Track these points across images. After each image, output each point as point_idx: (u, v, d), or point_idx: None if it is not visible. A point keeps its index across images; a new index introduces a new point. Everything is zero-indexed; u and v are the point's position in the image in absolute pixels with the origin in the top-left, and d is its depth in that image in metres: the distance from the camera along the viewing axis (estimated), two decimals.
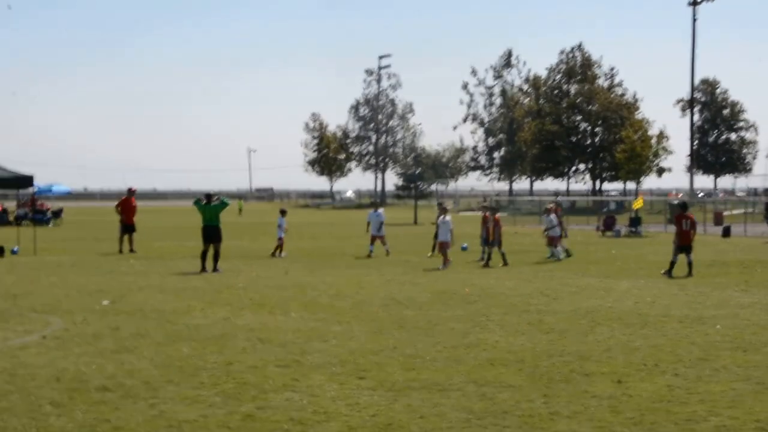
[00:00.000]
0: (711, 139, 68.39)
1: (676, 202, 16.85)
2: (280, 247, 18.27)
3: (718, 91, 68.30)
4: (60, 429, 5.19)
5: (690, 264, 14.35)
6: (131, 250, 19.07)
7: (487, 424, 5.26)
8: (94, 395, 5.98)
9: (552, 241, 17.79)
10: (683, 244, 14.54)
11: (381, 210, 19.33)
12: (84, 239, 24.48)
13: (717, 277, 14.13)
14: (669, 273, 14.09)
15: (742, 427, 5.21)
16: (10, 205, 38.38)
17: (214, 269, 14.82)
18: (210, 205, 15.29)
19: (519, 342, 7.98)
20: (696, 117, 62.68)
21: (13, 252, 18.55)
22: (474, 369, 6.79)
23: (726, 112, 67.94)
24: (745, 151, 68.15)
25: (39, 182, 29.88)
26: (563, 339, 8.14)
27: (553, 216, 17.99)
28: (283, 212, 19.24)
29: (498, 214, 18.18)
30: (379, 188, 77.07)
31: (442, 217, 16.32)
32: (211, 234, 15.08)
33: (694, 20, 52.63)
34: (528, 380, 6.43)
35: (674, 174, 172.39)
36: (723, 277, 14.26)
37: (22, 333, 8.48)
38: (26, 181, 19.57)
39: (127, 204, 19.88)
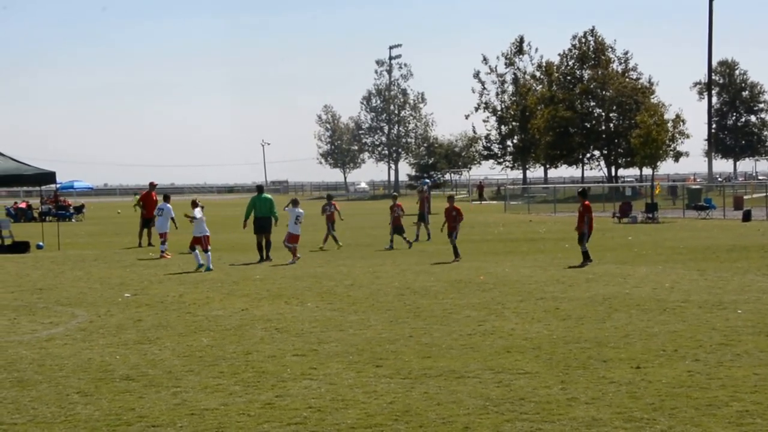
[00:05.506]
0: (730, 122, 67.18)
1: (578, 190, 15.80)
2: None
3: (737, 72, 66.98)
4: (87, 417, 5.32)
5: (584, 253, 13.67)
6: (150, 244, 19.31)
7: (504, 410, 5.29)
8: (119, 384, 6.12)
9: (194, 242, 14.29)
10: (588, 232, 13.85)
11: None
12: (105, 234, 24.82)
13: (737, 262, 13.99)
14: (586, 261, 13.51)
15: (765, 412, 5.17)
16: (35, 201, 38.96)
17: (267, 258, 15.25)
18: (261, 197, 15.82)
19: (535, 329, 7.98)
20: (714, 100, 61.53)
21: (39, 247, 18.85)
22: (490, 356, 6.82)
23: (745, 94, 66.62)
24: (765, 133, 66.84)
25: (61, 179, 30.27)
26: (580, 326, 8.13)
27: (198, 210, 14.37)
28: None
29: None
30: (392, 179, 77.05)
31: (290, 206, 15.47)
32: (263, 225, 15.63)
33: None
34: (545, 367, 6.43)
35: (692, 158, 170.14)
36: (744, 261, 14.12)
37: (49, 325, 8.67)
38: (49, 177, 19.87)
39: (148, 198, 20.15)
